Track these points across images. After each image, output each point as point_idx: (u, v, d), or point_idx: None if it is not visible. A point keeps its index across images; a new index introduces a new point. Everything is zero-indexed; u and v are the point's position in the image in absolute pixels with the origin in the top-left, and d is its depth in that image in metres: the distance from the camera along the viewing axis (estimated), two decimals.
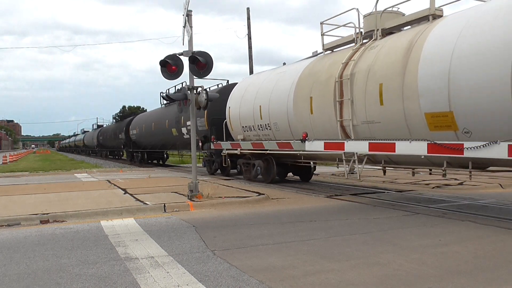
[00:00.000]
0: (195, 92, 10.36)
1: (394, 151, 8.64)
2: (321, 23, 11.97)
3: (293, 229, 6.94)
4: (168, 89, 23.30)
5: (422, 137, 8.21)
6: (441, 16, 8.98)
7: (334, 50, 11.90)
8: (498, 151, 6.88)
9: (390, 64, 8.94)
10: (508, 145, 6.75)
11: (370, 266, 4.82)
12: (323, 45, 12.02)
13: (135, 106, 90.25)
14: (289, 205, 9.67)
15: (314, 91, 11.13)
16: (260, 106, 13.62)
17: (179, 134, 21.23)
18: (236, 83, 16.97)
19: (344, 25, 11.37)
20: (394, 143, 8.68)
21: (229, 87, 17.20)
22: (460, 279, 4.33)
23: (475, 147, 7.17)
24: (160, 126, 24.07)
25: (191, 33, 10.11)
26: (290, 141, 12.05)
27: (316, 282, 4.33)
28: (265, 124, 13.54)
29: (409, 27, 9.68)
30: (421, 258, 5.11)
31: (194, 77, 10.27)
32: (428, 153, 8.02)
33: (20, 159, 46.01)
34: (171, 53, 10.11)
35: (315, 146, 11.03)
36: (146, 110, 57.51)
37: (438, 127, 8.05)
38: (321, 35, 11.97)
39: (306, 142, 11.35)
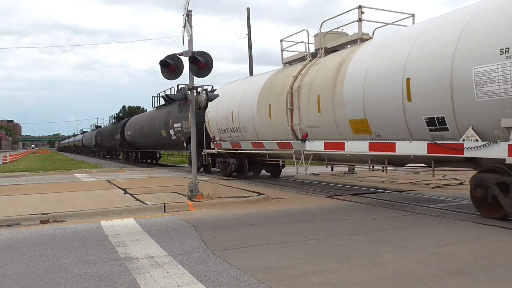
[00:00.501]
0: (195, 92, 10.36)
1: (394, 151, 8.74)
2: (281, 40, 13.92)
3: (293, 229, 6.94)
4: (164, 91, 24.44)
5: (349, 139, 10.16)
6: (368, 39, 10.80)
7: (292, 64, 13.55)
8: (498, 151, 6.90)
9: (325, 79, 10.80)
10: (508, 145, 6.77)
11: (370, 266, 4.82)
12: (282, 59, 13.96)
13: (135, 106, 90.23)
14: (289, 205, 9.67)
15: (272, 99, 13.04)
16: (232, 111, 15.49)
17: (168, 135, 22.94)
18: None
19: (297, 43, 13.69)
20: (394, 143, 8.73)
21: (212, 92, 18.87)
22: (460, 279, 4.33)
23: (475, 147, 7.19)
24: (152, 127, 25.71)
25: (191, 33, 10.11)
26: (290, 141, 12.09)
27: (316, 282, 4.33)
28: (236, 127, 15.35)
29: (349, 46, 11.40)
30: (421, 258, 5.11)
31: (194, 77, 10.27)
32: (428, 153, 8.07)
33: (20, 159, 46.02)
34: (171, 53, 10.12)
35: (315, 146, 11.08)
36: (146, 110, 58.06)
37: (359, 131, 9.81)
38: (281, 50, 13.91)
39: (306, 142, 11.36)
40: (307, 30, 12.70)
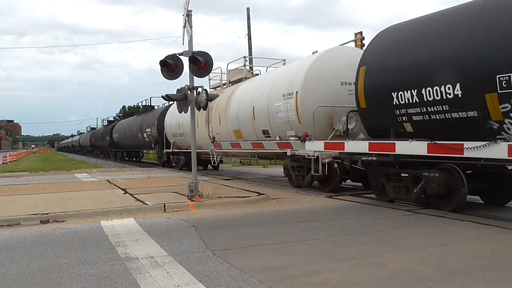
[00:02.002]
0: (195, 92, 10.36)
1: (394, 151, 8.76)
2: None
3: (293, 229, 6.94)
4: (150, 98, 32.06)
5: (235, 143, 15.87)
6: (250, 77, 16.60)
7: (215, 89, 18.99)
8: (498, 151, 6.92)
9: (223, 103, 16.41)
10: (508, 145, 6.79)
11: (370, 266, 4.82)
12: (209, 86, 19.31)
13: (135, 106, 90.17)
14: (289, 205, 9.67)
15: (200, 114, 16.51)
16: (178, 121, 21.24)
17: (142, 137, 28.58)
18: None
19: (215, 75, 18.79)
20: (394, 143, 8.76)
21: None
22: (460, 279, 4.33)
23: (475, 147, 7.21)
24: (132, 131, 31.74)
25: (191, 33, 10.11)
26: (290, 141, 12.12)
27: (316, 282, 4.33)
28: (182, 133, 21.32)
29: (242, 80, 16.89)
30: (421, 258, 5.12)
31: (194, 77, 10.27)
32: (428, 152, 8.09)
33: (20, 159, 46.02)
34: (171, 53, 10.13)
35: (315, 146, 11.12)
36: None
37: (238, 137, 15.47)
38: (208, 79, 19.08)
39: (306, 142, 11.40)
40: (220, 68, 20.16)
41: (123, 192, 11.64)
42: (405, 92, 8.52)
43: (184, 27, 10.21)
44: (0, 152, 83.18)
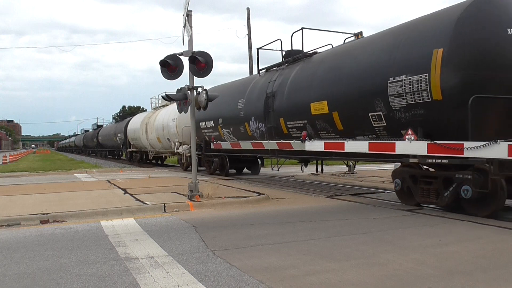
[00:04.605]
0: (195, 92, 10.36)
1: (394, 151, 8.73)
2: (151, 98, 31.42)
3: (293, 229, 6.94)
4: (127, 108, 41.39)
5: (168, 147, 23.75)
6: (166, 106, 25.15)
7: (156, 109, 27.86)
8: (498, 151, 6.91)
9: (152, 120, 25.97)
10: (508, 145, 6.78)
11: (370, 266, 4.82)
12: (155, 107, 28.14)
13: (135, 106, 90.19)
14: (289, 205, 9.67)
15: (143, 126, 27.22)
16: (134, 129, 30.16)
17: (116, 140, 37.27)
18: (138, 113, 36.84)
19: (150, 99, 30.46)
20: (394, 143, 8.73)
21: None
22: (460, 279, 4.33)
23: (475, 147, 7.19)
24: (110, 135, 40.60)
25: (191, 33, 10.11)
26: (290, 141, 12.11)
27: (316, 282, 4.33)
28: (135, 138, 29.93)
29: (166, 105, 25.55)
30: (421, 258, 5.11)
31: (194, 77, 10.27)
32: (428, 152, 8.06)
33: (20, 159, 46.01)
34: (170, 52, 10.15)
35: (315, 146, 11.08)
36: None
37: (159, 141, 24.50)
38: (150, 102, 30.27)
39: (306, 142, 11.38)
40: (151, 97, 29.71)
41: (123, 192, 11.64)
42: None
43: (184, 27, 10.21)
44: (0, 152, 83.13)
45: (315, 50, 12.76)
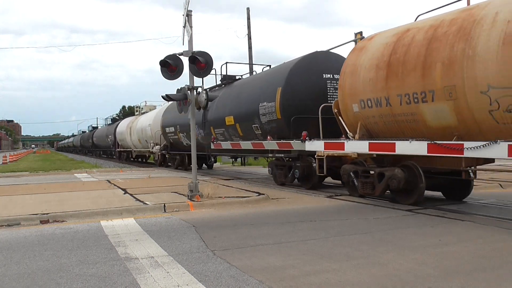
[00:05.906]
0: (195, 92, 10.36)
1: (395, 151, 8.76)
2: (135, 106, 40.31)
3: (293, 229, 6.94)
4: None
5: (146, 147, 28.50)
6: (154, 109, 30.58)
7: (135, 114, 33.05)
8: (498, 151, 6.91)
9: (134, 124, 30.89)
10: (508, 145, 6.78)
11: (370, 266, 4.82)
12: (140, 113, 32.40)
13: (135, 106, 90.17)
14: (289, 205, 9.67)
15: (130, 129, 31.01)
16: (122, 131, 34.04)
17: (108, 141, 42.20)
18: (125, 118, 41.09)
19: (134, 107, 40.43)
20: (395, 143, 8.75)
21: None
22: (460, 279, 4.33)
23: (475, 147, 7.20)
24: (103, 136, 45.70)
25: (191, 33, 10.11)
26: (290, 141, 12.11)
27: (316, 282, 4.33)
28: (122, 139, 34.02)
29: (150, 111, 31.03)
30: (421, 258, 5.12)
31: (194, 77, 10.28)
32: (428, 152, 8.08)
33: (20, 159, 46.02)
34: (170, 52, 10.15)
35: (315, 146, 11.12)
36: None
37: (139, 142, 29.51)
38: (135, 110, 36.44)
39: (306, 142, 11.39)
40: (138, 106, 37.62)
41: (123, 192, 11.64)
42: None
43: (184, 27, 10.21)
44: (0, 152, 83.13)
45: (241, 76, 17.62)
